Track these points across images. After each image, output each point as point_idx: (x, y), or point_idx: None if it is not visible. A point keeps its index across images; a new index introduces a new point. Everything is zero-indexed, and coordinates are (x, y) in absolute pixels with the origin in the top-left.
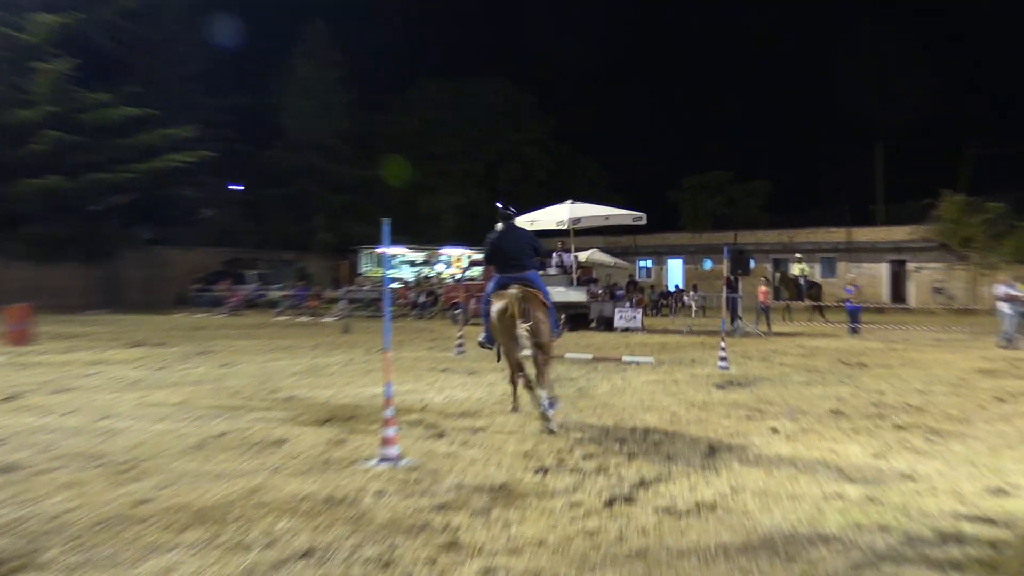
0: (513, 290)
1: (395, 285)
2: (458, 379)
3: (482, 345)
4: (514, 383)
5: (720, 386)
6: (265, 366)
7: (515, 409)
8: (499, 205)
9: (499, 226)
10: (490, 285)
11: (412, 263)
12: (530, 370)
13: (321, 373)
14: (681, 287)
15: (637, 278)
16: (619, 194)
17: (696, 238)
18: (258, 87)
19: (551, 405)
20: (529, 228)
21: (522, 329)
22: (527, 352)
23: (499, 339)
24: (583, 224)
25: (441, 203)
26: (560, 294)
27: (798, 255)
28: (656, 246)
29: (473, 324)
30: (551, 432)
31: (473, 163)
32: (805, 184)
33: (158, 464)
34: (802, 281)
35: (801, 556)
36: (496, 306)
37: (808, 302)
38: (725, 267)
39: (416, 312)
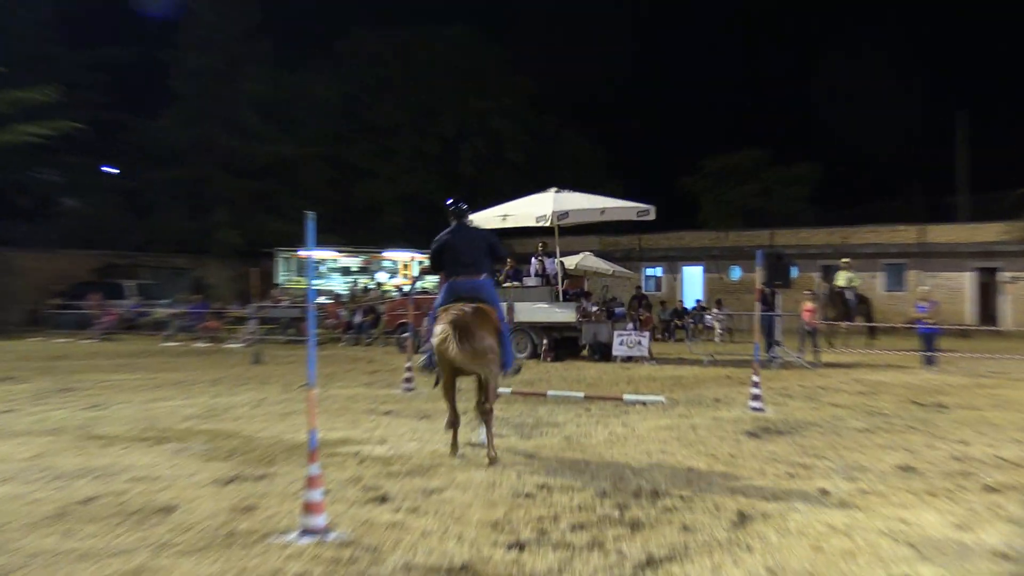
0: (457, 312)
1: (323, 300)
2: (406, 424)
3: (422, 369)
4: (453, 426)
5: (753, 434)
6: (149, 408)
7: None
8: (449, 202)
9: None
10: (440, 295)
11: (346, 271)
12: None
13: (224, 417)
14: (702, 303)
15: (643, 291)
16: (619, 180)
17: (720, 239)
18: (140, 38)
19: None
20: (501, 224)
21: (464, 361)
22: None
23: (440, 368)
24: (571, 220)
25: (384, 192)
26: (541, 312)
27: (845, 260)
28: (668, 249)
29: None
30: (481, 448)
31: (425, 139)
32: (864, 168)
33: (2, 540)
34: (850, 295)
35: None
36: (438, 329)
37: (857, 320)
38: (758, 277)
39: (351, 336)
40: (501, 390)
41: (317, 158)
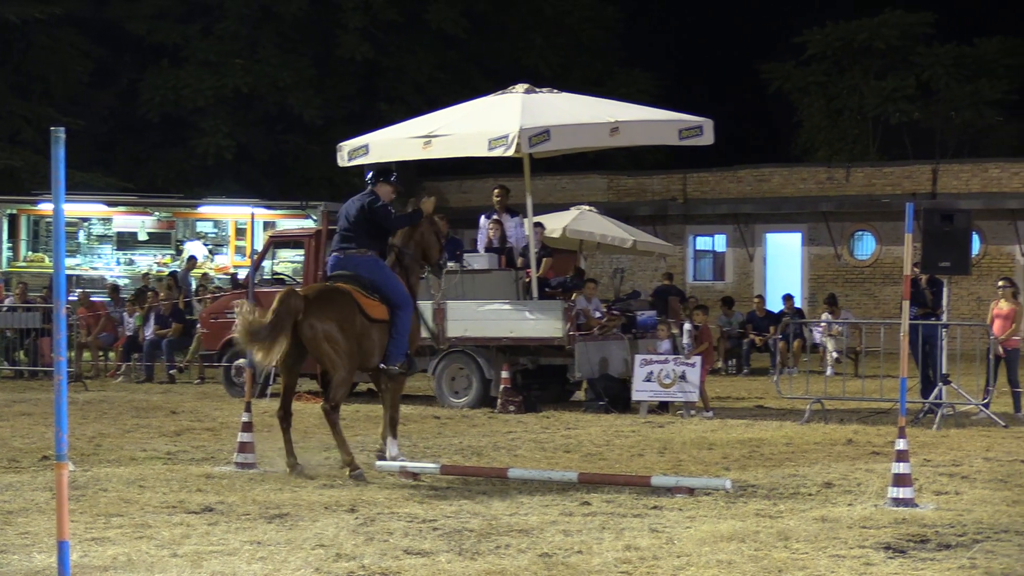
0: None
1: (81, 296)
2: (241, 530)
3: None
4: (284, 428)
5: (895, 549)
6: None
7: (292, 468)
8: (369, 175)
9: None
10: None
11: (129, 239)
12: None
13: None
14: (798, 303)
15: (688, 278)
16: (648, 71)
17: (836, 182)
18: None
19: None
20: (423, 152)
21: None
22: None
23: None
24: (555, 146)
25: (198, 90)
26: (498, 318)
27: None
28: (737, 201)
29: (275, 393)
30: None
31: None
32: None
33: None
34: None
35: None
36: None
37: None
38: (908, 253)
39: (139, 363)
40: (426, 467)
41: (68, 25)
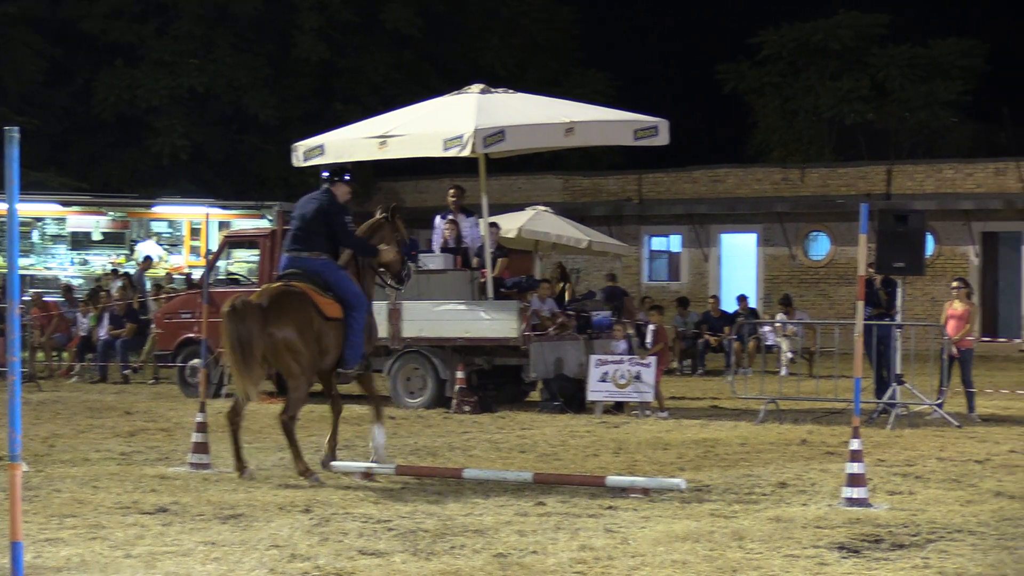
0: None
1: (32, 296)
2: (196, 531)
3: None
4: (233, 431)
5: (849, 549)
6: None
7: (241, 471)
8: (325, 174)
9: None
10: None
11: (84, 239)
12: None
13: None
14: (752, 304)
15: (644, 278)
16: (604, 71)
17: (791, 182)
18: None
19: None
20: (379, 152)
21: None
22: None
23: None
24: (510, 146)
25: (153, 89)
26: (453, 319)
27: None
28: (692, 201)
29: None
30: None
31: None
32: None
33: None
34: None
35: None
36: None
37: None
38: (862, 254)
39: (93, 363)
40: (382, 468)
41: (22, 24)
